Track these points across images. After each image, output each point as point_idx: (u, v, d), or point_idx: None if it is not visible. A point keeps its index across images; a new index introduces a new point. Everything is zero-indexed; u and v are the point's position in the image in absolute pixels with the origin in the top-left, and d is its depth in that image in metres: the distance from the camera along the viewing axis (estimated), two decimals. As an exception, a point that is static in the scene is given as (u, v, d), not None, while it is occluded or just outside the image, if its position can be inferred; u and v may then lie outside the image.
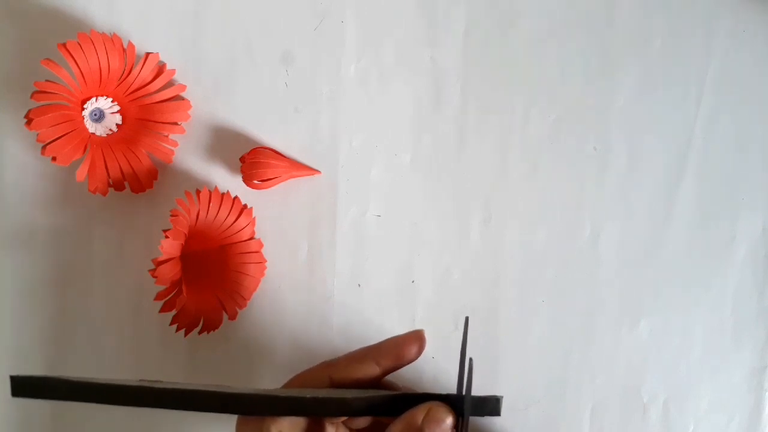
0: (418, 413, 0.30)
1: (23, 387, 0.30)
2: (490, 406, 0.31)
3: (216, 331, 0.40)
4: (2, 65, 0.41)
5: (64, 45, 0.37)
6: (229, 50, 0.41)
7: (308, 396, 0.30)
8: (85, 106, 0.39)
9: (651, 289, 0.42)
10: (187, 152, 0.41)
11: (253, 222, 0.41)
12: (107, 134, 0.40)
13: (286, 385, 0.35)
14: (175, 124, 0.41)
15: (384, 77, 0.41)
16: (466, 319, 0.32)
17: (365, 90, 0.41)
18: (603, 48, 0.41)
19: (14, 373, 0.30)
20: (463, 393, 0.30)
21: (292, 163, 0.41)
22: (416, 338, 0.34)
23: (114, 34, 0.39)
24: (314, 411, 0.31)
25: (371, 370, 0.33)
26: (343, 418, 0.33)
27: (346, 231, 0.42)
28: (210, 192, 0.38)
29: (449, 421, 0.30)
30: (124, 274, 0.41)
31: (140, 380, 0.33)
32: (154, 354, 0.41)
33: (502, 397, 0.31)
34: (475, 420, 0.40)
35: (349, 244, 0.42)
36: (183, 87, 0.41)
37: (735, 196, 0.42)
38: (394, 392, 0.32)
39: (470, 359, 0.30)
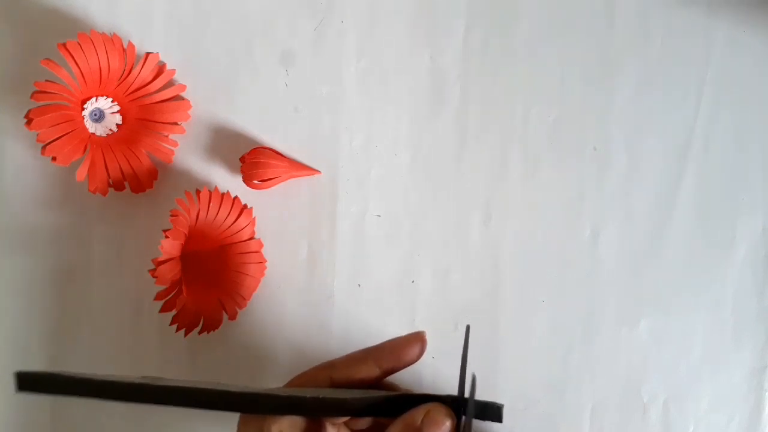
0: (418, 414, 0.30)
1: (29, 382, 0.30)
2: (491, 412, 0.30)
3: (216, 331, 0.40)
4: (2, 65, 0.41)
5: (64, 45, 0.37)
6: (229, 50, 0.41)
7: (309, 396, 0.30)
8: (85, 106, 0.39)
9: (651, 289, 0.42)
10: (187, 152, 0.41)
11: (253, 222, 0.41)
12: (107, 134, 0.40)
13: (287, 386, 0.35)
14: (175, 124, 0.41)
15: (384, 77, 0.41)
16: (467, 327, 0.32)
17: (365, 90, 0.41)
18: (603, 48, 0.41)
19: (15, 372, 0.30)
20: (465, 396, 0.30)
21: (292, 163, 0.41)
22: (417, 340, 0.33)
23: (114, 34, 0.39)
24: (314, 410, 0.31)
25: (371, 371, 0.33)
26: (344, 419, 0.33)
27: (346, 231, 0.42)
28: (210, 192, 0.38)
29: (448, 423, 0.30)
30: (124, 274, 0.41)
31: (142, 377, 0.33)
32: (154, 354, 0.41)
33: (503, 405, 0.30)
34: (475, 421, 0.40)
35: (349, 244, 0.42)
36: (183, 87, 0.41)
37: (735, 196, 0.42)
38: (395, 393, 0.32)
39: (473, 376, 0.29)
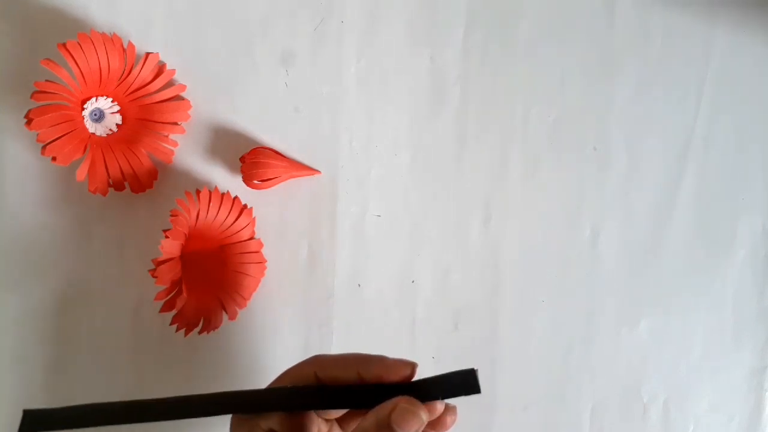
0: (386, 408, 0.29)
1: (33, 422, 0.31)
2: (466, 384, 0.29)
3: (216, 331, 0.40)
4: (2, 65, 0.41)
5: (64, 45, 0.37)
6: (229, 50, 0.41)
7: (289, 387, 0.31)
8: (85, 106, 0.39)
9: (651, 289, 0.42)
10: (187, 152, 0.41)
11: (253, 222, 0.41)
12: (107, 134, 0.40)
13: (275, 381, 0.35)
14: (175, 124, 0.41)
15: (384, 77, 0.41)
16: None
17: (365, 90, 0.41)
18: (603, 48, 0.41)
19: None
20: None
21: (292, 163, 0.41)
22: (406, 368, 0.31)
23: (114, 34, 0.39)
24: (287, 403, 0.31)
25: (352, 378, 0.32)
26: (336, 414, 0.33)
27: (346, 231, 0.42)
28: (210, 192, 0.38)
29: (421, 417, 0.29)
30: (124, 275, 0.41)
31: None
32: (154, 354, 0.41)
33: (476, 369, 0.29)
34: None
35: (349, 244, 0.42)
36: (183, 87, 0.41)
37: (735, 196, 0.42)
38: (370, 384, 0.31)
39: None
